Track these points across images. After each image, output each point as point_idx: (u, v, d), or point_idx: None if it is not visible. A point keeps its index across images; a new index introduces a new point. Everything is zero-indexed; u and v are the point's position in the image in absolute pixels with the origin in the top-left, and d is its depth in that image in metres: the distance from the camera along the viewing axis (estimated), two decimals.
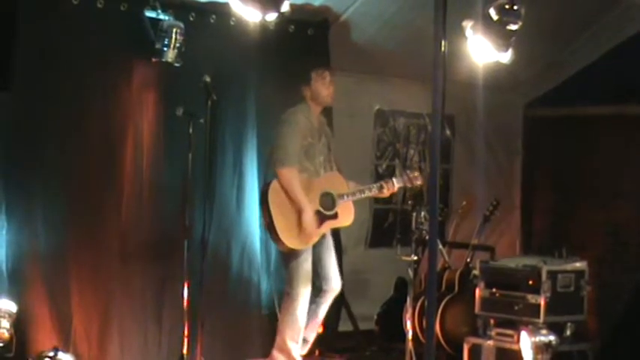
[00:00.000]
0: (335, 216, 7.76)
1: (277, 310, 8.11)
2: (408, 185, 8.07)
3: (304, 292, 7.72)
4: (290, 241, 7.58)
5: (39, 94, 7.39)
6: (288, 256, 7.70)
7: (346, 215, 7.87)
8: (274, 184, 7.62)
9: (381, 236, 9.98)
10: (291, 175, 7.58)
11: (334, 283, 7.91)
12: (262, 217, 7.74)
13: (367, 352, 9.11)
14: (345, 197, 7.80)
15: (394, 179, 8.03)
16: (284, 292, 7.83)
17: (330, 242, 7.90)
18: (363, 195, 8.00)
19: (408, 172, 8.17)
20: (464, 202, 9.55)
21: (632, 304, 9.26)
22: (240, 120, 8.50)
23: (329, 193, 7.73)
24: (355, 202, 8.17)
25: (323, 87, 7.87)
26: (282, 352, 7.77)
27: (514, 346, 7.78)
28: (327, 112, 8.70)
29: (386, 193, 8.05)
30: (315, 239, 7.70)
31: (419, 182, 8.01)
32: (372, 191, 8.02)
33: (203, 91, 7.50)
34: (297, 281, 7.69)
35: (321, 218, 7.71)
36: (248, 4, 6.82)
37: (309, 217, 7.57)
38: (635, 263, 9.95)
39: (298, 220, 7.58)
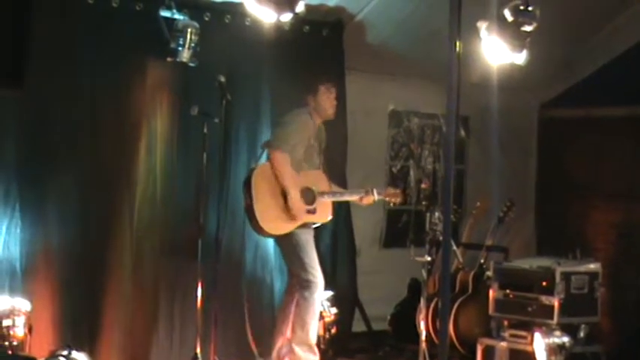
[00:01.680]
0: (313, 211, 7.84)
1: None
2: (387, 200, 8.29)
3: (322, 278, 7.80)
4: (267, 225, 7.69)
5: (53, 94, 7.42)
6: (299, 247, 7.75)
7: (324, 213, 7.99)
8: (259, 169, 7.77)
9: (394, 237, 9.98)
10: (284, 159, 7.71)
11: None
12: (244, 199, 7.77)
13: (380, 353, 9.11)
14: (325, 196, 7.91)
15: (375, 191, 8.15)
16: (301, 286, 7.84)
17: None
18: (342, 197, 8.20)
19: (390, 187, 8.43)
20: (478, 203, 9.52)
21: None
22: (255, 120, 8.51)
23: (310, 188, 7.82)
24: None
25: (328, 101, 7.99)
26: (303, 345, 7.81)
27: (527, 348, 7.77)
28: (341, 112, 8.72)
29: (364, 201, 8.19)
30: (293, 227, 7.77)
31: (398, 200, 8.28)
32: (353, 196, 8.19)
33: (218, 90, 7.51)
34: (315, 269, 7.82)
35: None
36: (263, 5, 6.82)
37: (295, 197, 7.68)
38: None
39: (278, 206, 7.68)
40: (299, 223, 7.77)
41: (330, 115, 8.04)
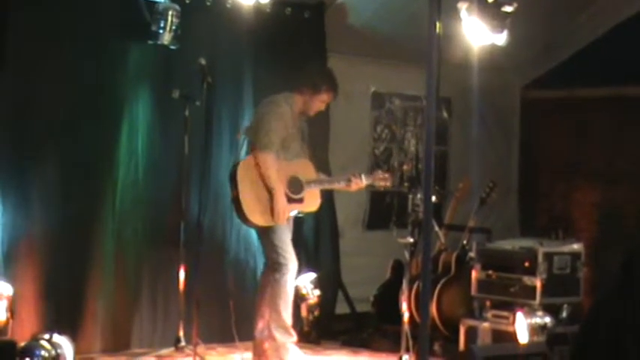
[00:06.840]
0: (301, 200, 7.79)
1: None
2: (376, 184, 8.18)
3: (295, 262, 7.76)
4: (254, 217, 7.60)
5: (33, 77, 7.39)
6: (272, 230, 7.70)
7: (312, 201, 7.91)
8: (244, 162, 7.65)
9: (378, 218, 9.95)
10: (270, 160, 7.59)
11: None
12: (230, 191, 7.72)
13: (364, 334, 9.11)
14: (313, 185, 7.85)
15: (363, 175, 8.07)
16: (271, 268, 7.78)
17: (291, 226, 7.92)
18: (330, 185, 8.09)
19: (380, 171, 8.36)
20: (460, 185, 9.53)
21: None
22: (236, 102, 8.50)
23: (297, 177, 7.77)
24: None
25: (321, 106, 7.89)
26: (279, 328, 7.78)
27: (510, 328, 7.79)
28: None
29: (353, 187, 8.06)
30: (281, 220, 7.71)
31: (388, 184, 8.17)
32: (340, 184, 8.08)
33: (199, 73, 7.49)
34: (287, 252, 7.71)
35: (287, 201, 7.72)
36: None
37: (281, 199, 7.61)
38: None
39: (264, 199, 7.60)
40: (281, 224, 7.76)
41: (310, 115, 7.98)
